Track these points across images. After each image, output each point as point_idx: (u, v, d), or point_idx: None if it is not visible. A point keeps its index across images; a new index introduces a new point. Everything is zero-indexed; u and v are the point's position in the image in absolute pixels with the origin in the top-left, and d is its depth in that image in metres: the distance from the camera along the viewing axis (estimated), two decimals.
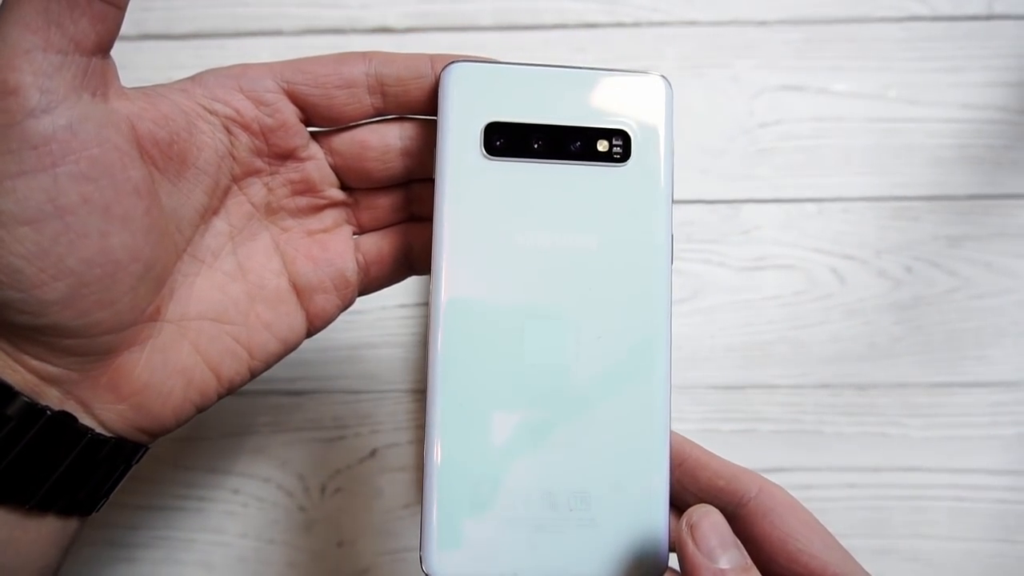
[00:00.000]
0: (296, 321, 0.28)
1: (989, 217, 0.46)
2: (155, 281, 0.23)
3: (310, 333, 0.30)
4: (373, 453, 0.44)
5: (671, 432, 0.24)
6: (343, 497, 0.44)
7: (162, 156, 0.23)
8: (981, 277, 0.46)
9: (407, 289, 0.45)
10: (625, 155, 0.26)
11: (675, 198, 0.47)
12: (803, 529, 0.22)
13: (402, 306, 0.46)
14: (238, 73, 0.26)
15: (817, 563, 0.22)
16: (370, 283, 0.30)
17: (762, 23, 0.48)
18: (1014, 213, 0.46)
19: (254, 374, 0.27)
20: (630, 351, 0.24)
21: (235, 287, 0.26)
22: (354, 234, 0.31)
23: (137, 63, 0.48)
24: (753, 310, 0.46)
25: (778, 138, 0.47)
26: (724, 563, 0.20)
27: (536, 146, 0.25)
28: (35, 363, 0.21)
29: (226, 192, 0.26)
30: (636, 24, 0.48)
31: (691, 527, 0.21)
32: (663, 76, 0.27)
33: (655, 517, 0.23)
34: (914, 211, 0.47)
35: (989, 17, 0.48)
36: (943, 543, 0.43)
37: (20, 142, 0.19)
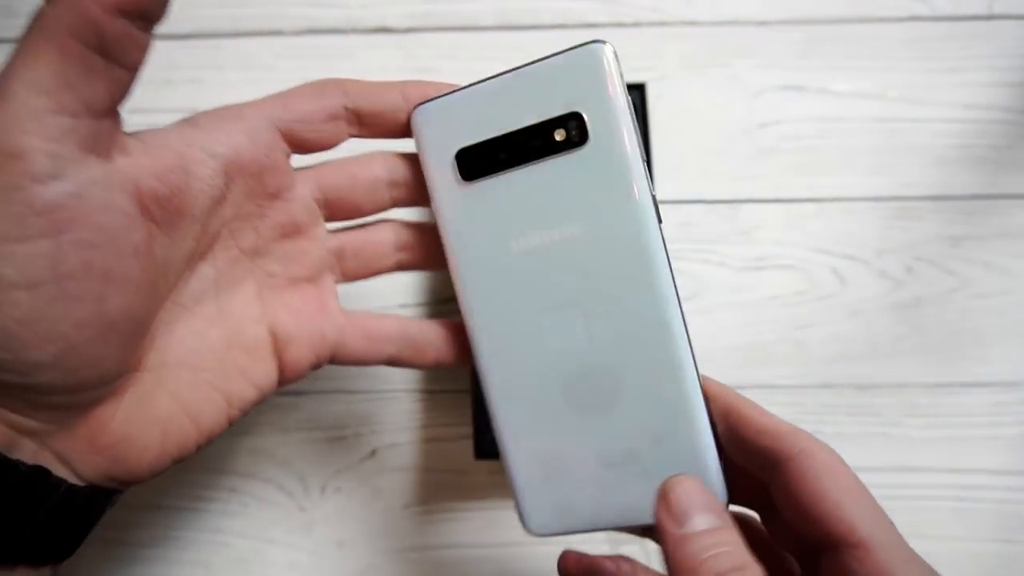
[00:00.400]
0: (271, 368, 0.28)
1: (990, 217, 0.46)
2: (140, 334, 0.23)
3: (280, 384, 0.29)
4: (373, 453, 0.44)
5: (717, 384, 0.27)
6: (343, 497, 0.44)
7: (161, 211, 0.22)
8: (982, 277, 0.46)
9: (409, 289, 0.45)
10: (582, 137, 0.26)
11: (675, 198, 0.47)
12: (837, 489, 0.22)
13: (403, 306, 0.46)
14: (235, 114, 0.25)
15: (845, 527, 0.21)
16: (347, 356, 0.30)
17: (762, 23, 0.48)
18: (1015, 213, 0.46)
19: (231, 422, 0.26)
20: (639, 316, 0.26)
21: (214, 332, 0.26)
22: (337, 282, 0.30)
23: None
24: (753, 310, 0.46)
25: (778, 138, 0.47)
26: (694, 527, 0.21)
27: (503, 157, 0.27)
28: (13, 416, 0.21)
29: (215, 237, 0.26)
30: (636, 24, 0.48)
31: (663, 494, 0.22)
32: (599, 41, 0.26)
33: (699, 460, 0.25)
34: (915, 211, 0.47)
35: (990, 17, 0.48)
36: (944, 543, 0.43)
37: (25, 207, 0.18)
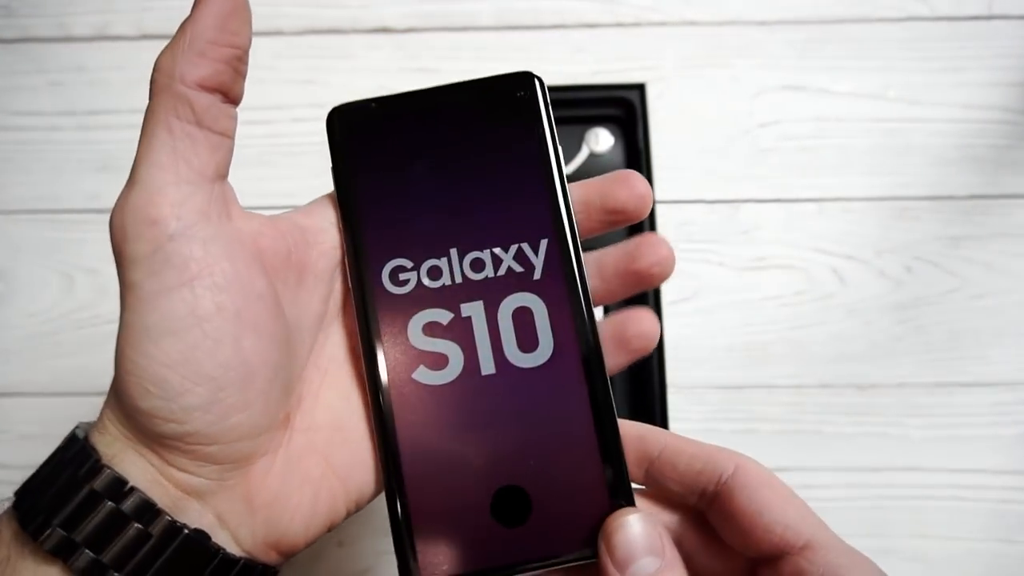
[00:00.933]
0: None
1: (989, 217, 0.46)
2: (284, 386, 0.24)
3: None
4: None
5: (639, 426, 0.25)
6: None
7: (282, 267, 0.24)
8: (981, 277, 0.46)
9: None
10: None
11: (675, 198, 0.47)
12: (777, 501, 0.22)
13: None
14: (307, 210, 0.27)
15: (791, 533, 0.22)
16: None
17: (762, 23, 0.48)
18: (1014, 213, 0.46)
19: (378, 489, 0.26)
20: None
21: (356, 395, 0.26)
22: None
23: (137, 63, 0.48)
24: (753, 310, 0.46)
25: (778, 138, 0.47)
26: (637, 572, 0.21)
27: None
28: (180, 475, 0.22)
29: (344, 299, 0.27)
30: (636, 24, 0.48)
31: (606, 537, 0.22)
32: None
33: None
34: (914, 211, 0.47)
35: (989, 17, 0.48)
36: (943, 543, 0.43)
37: (163, 264, 0.21)
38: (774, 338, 0.46)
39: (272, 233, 0.24)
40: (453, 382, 0.24)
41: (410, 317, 0.24)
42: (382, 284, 0.24)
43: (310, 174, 0.48)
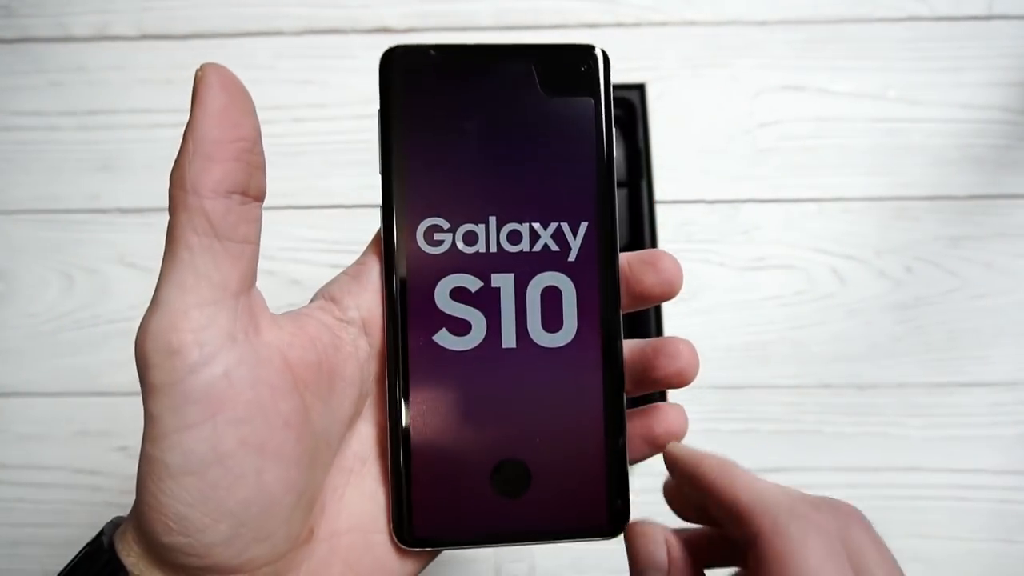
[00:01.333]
0: None
1: (989, 217, 0.46)
2: (307, 506, 0.23)
3: None
4: None
5: (688, 451, 0.25)
6: None
7: (314, 378, 0.23)
8: (981, 277, 0.46)
9: None
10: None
11: (675, 198, 0.47)
12: None
13: None
14: (353, 273, 0.26)
15: None
16: None
17: (762, 23, 0.48)
18: (1014, 213, 0.46)
19: None
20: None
21: (381, 495, 0.26)
22: None
23: (137, 63, 0.48)
24: (753, 310, 0.46)
25: (778, 138, 0.47)
26: None
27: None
28: None
29: (368, 396, 0.26)
30: (636, 24, 0.48)
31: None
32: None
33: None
34: (914, 211, 0.47)
35: (989, 17, 0.48)
36: (943, 543, 0.43)
37: (183, 398, 0.20)
38: (774, 338, 0.46)
39: (302, 342, 0.23)
40: (472, 350, 0.24)
41: (439, 279, 0.24)
42: (416, 241, 0.24)
43: (310, 174, 0.48)
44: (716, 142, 0.47)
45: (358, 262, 0.26)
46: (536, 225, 0.24)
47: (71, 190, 0.47)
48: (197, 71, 0.20)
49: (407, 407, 0.24)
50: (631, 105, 0.46)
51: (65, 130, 0.48)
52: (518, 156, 0.24)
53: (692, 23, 0.48)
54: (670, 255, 0.25)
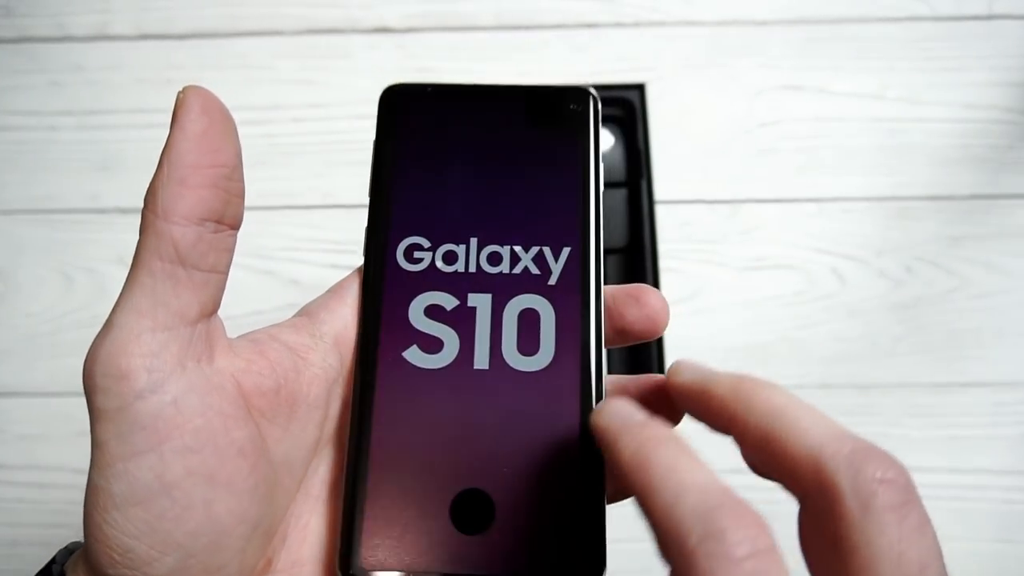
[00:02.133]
0: None
1: (989, 217, 0.46)
2: (264, 536, 0.22)
3: None
4: None
5: (757, 386, 0.20)
6: None
7: (270, 406, 0.22)
8: (981, 277, 0.46)
9: None
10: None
11: (675, 198, 0.47)
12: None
13: None
14: (334, 289, 0.25)
15: None
16: None
17: (762, 23, 0.48)
18: (1014, 213, 0.46)
19: None
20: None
21: None
22: None
23: (137, 63, 0.48)
24: (753, 310, 0.46)
25: (778, 138, 0.47)
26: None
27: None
28: None
29: (336, 418, 0.25)
30: (636, 24, 0.48)
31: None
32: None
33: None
34: (914, 211, 0.47)
35: (990, 17, 0.48)
36: (945, 543, 0.43)
37: (130, 424, 0.20)
38: (774, 338, 0.46)
39: (259, 368, 0.22)
40: (442, 369, 0.23)
41: (415, 295, 0.23)
42: (395, 257, 0.24)
43: (309, 174, 0.48)
44: (716, 142, 0.47)
45: (341, 281, 0.25)
46: (517, 248, 0.24)
47: (70, 190, 0.47)
48: (179, 93, 0.20)
49: (368, 424, 0.23)
50: (631, 105, 0.46)
51: (64, 130, 0.48)
52: (504, 184, 0.24)
53: (692, 23, 0.48)
54: (656, 291, 0.24)
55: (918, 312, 0.46)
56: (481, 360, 0.23)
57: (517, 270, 0.24)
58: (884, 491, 0.18)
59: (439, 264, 0.24)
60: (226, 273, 0.21)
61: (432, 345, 0.23)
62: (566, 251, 0.24)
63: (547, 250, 0.24)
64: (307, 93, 0.48)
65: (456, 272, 0.24)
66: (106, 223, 0.46)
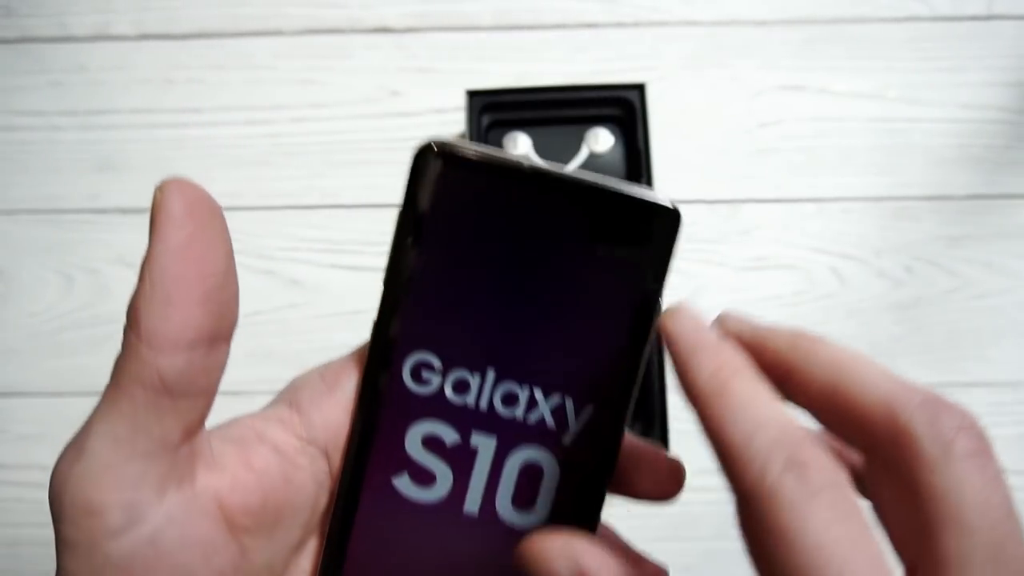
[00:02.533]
0: None
1: (989, 217, 0.46)
2: None
3: None
4: None
5: (818, 346, 0.20)
6: None
7: (254, 521, 0.21)
8: (981, 277, 0.46)
9: None
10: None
11: (675, 198, 0.47)
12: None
13: None
14: (329, 379, 0.23)
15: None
16: None
17: (762, 23, 0.48)
18: (1014, 213, 0.46)
19: None
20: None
21: None
22: None
23: (137, 63, 0.48)
24: (753, 310, 0.46)
25: (778, 138, 0.47)
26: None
27: None
28: None
29: (323, 511, 0.24)
30: (636, 24, 0.48)
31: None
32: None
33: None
34: (914, 211, 0.47)
35: (989, 17, 0.48)
36: None
37: (102, 561, 0.18)
38: None
39: (244, 483, 0.21)
40: (430, 504, 0.21)
41: (415, 420, 0.21)
42: (400, 374, 0.21)
43: (310, 174, 0.48)
44: (716, 142, 0.47)
45: (336, 366, 0.23)
46: (538, 392, 0.21)
47: (71, 190, 0.47)
48: (156, 190, 0.17)
49: (344, 548, 0.22)
50: (631, 105, 0.46)
51: (65, 130, 0.48)
52: (542, 304, 0.21)
53: (692, 23, 0.48)
54: (675, 460, 0.21)
55: (917, 312, 0.46)
56: (472, 505, 0.21)
57: (532, 419, 0.21)
58: (963, 439, 0.17)
59: (448, 392, 0.21)
60: (216, 389, 0.19)
61: (424, 478, 0.21)
62: (589, 409, 0.21)
63: (569, 403, 0.21)
64: (308, 93, 0.48)
65: (465, 405, 0.21)
66: (107, 223, 0.46)
